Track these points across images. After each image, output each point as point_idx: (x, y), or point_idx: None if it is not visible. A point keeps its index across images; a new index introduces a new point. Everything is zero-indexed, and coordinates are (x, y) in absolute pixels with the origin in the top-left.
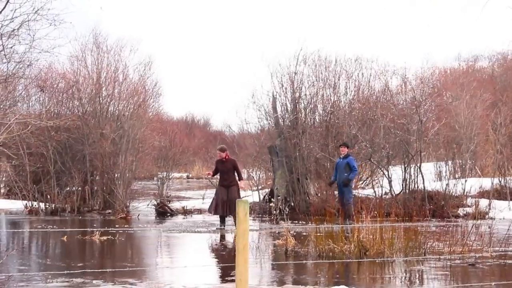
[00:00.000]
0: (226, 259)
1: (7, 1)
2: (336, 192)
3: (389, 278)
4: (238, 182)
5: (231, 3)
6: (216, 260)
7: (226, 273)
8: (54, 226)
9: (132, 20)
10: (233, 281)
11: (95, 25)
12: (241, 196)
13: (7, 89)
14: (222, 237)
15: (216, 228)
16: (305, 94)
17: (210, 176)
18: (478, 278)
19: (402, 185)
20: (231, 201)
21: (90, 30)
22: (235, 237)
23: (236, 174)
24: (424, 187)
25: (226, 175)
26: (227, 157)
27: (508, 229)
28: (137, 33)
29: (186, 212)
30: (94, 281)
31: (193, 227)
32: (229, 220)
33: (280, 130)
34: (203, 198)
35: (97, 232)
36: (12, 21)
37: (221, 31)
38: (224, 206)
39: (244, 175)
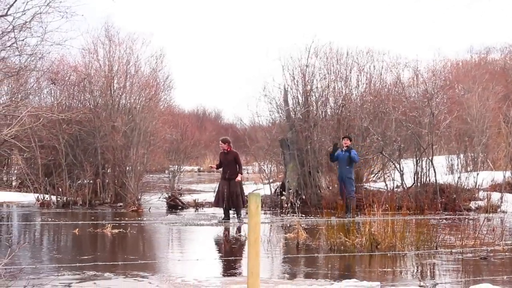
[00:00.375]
0: (236, 252)
1: None
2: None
3: (400, 271)
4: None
5: None
6: (227, 253)
7: (237, 266)
8: (66, 219)
9: (144, 14)
10: (244, 274)
11: (107, 18)
12: (242, 189)
13: (19, 81)
14: (226, 230)
15: (218, 221)
16: (317, 87)
17: (214, 169)
18: (490, 272)
19: (414, 178)
20: (232, 194)
21: (102, 23)
22: (238, 229)
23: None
24: (435, 180)
25: (227, 167)
26: (229, 149)
27: None
28: (148, 26)
29: (197, 205)
30: (106, 274)
31: (196, 220)
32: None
33: (292, 123)
34: (215, 191)
35: (108, 225)
36: (24, 14)
37: (232, 24)
38: (225, 199)
39: (256, 168)
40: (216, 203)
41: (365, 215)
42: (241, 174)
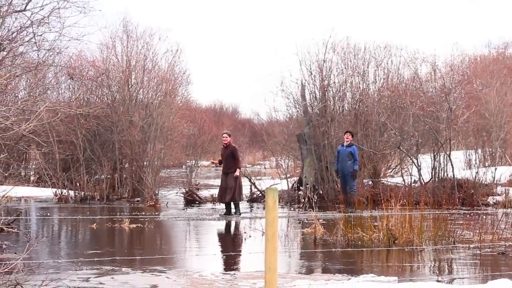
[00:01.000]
0: (253, 247)
1: None
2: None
3: (418, 266)
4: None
5: None
6: (244, 248)
7: (255, 261)
8: (84, 214)
9: (161, 9)
10: (262, 269)
11: (125, 13)
12: (238, 184)
13: (37, 76)
14: (228, 225)
15: (220, 215)
16: (334, 82)
17: (217, 165)
18: (508, 267)
19: (432, 173)
20: (227, 188)
21: (119, 18)
22: (235, 222)
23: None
24: (453, 175)
25: (225, 162)
26: (228, 143)
27: None
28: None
29: (214, 200)
30: (123, 269)
31: (199, 215)
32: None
33: (309, 118)
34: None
35: (126, 219)
36: (42, 9)
37: (250, 19)
38: (223, 193)
39: (273, 163)
40: (220, 199)
41: (382, 210)
42: (239, 168)
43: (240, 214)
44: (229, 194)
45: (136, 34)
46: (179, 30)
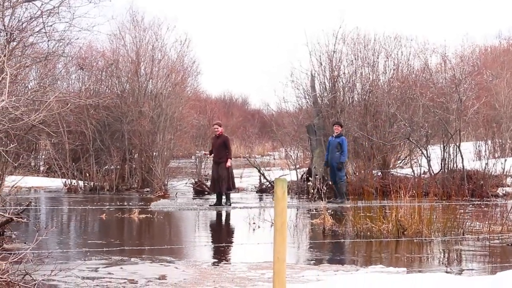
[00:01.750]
0: (262, 237)
1: None
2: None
3: (427, 257)
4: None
5: None
6: (253, 238)
7: (264, 251)
8: (94, 204)
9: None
10: (270, 259)
11: (131, 2)
12: (231, 174)
13: (47, 67)
14: (236, 216)
15: (210, 205)
16: (344, 73)
17: (208, 156)
18: None
19: (441, 164)
20: (219, 177)
21: (126, 8)
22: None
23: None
24: (463, 166)
25: (217, 151)
26: (220, 133)
27: None
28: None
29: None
30: (132, 259)
31: (189, 205)
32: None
33: (319, 109)
34: (241, 177)
35: (136, 210)
36: None
37: (259, 8)
38: (214, 183)
39: (282, 154)
40: (213, 189)
41: (391, 200)
42: (230, 158)
43: (230, 204)
44: (224, 185)
45: (143, 24)
46: (187, 19)
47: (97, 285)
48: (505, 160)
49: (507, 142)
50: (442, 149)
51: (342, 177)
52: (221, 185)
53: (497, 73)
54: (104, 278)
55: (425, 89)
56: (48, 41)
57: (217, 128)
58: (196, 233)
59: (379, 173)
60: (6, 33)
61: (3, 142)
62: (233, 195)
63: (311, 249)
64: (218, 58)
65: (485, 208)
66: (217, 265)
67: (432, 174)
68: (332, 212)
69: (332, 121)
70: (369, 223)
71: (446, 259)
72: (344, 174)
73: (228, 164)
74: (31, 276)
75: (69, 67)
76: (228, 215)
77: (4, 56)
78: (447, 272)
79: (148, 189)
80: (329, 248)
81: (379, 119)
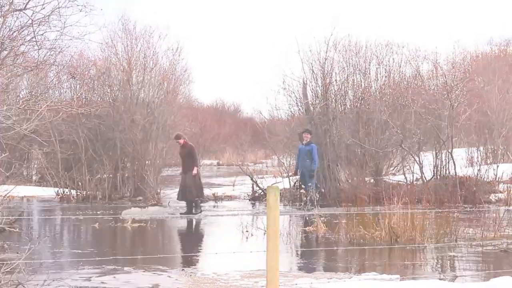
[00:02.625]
0: (255, 245)
1: None
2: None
3: (420, 264)
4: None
5: None
6: (246, 246)
7: (256, 259)
8: (86, 213)
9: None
10: (263, 268)
11: (124, 11)
12: (198, 182)
13: (38, 76)
14: (230, 224)
15: (180, 214)
16: (336, 80)
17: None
18: (510, 264)
19: (434, 171)
20: (185, 187)
21: (118, 17)
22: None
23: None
24: (455, 173)
25: (183, 161)
26: (184, 143)
27: None
28: (164, 19)
29: (216, 198)
30: (125, 268)
31: (160, 213)
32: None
33: (311, 117)
34: (234, 185)
35: (129, 219)
36: (43, 8)
37: (250, 16)
38: (181, 192)
39: (275, 162)
40: (179, 197)
41: (384, 207)
42: (197, 167)
43: (201, 212)
44: (190, 193)
45: (135, 33)
46: (179, 28)
47: None
48: (497, 166)
49: (499, 148)
50: (435, 156)
51: (312, 185)
52: (188, 193)
53: (489, 79)
54: (97, 287)
55: (417, 96)
56: (39, 49)
57: (178, 141)
58: (190, 242)
59: (372, 180)
60: None
61: None
62: (226, 203)
63: (304, 257)
64: (210, 66)
65: (478, 215)
66: (210, 274)
67: (425, 180)
68: (325, 220)
69: (301, 130)
70: (362, 230)
71: (440, 266)
72: (315, 182)
73: (195, 172)
74: (24, 286)
75: (61, 76)
76: (222, 223)
77: None
78: (440, 279)
79: (141, 198)
80: (322, 256)
81: (371, 126)
